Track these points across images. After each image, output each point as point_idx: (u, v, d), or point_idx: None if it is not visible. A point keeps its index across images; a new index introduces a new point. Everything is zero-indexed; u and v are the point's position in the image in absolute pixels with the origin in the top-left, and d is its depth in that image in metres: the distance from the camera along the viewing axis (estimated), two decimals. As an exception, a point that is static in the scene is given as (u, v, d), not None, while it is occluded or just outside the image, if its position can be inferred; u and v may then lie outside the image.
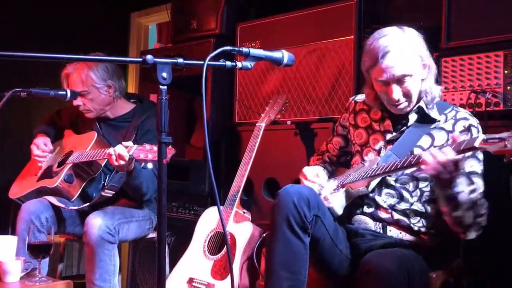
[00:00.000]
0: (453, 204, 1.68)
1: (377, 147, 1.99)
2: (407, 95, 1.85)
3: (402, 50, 1.79)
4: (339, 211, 1.93)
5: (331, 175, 2.23)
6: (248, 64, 1.53)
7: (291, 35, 2.73)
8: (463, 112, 1.90)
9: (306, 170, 2.13)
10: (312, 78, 2.65)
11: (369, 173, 1.85)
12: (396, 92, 1.84)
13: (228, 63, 1.50)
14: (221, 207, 2.42)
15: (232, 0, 3.00)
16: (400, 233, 1.90)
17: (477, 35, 2.11)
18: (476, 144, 1.50)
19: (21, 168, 2.92)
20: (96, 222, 2.36)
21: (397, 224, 1.90)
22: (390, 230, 1.91)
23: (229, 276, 2.24)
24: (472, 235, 1.77)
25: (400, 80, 1.82)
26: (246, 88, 2.94)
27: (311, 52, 2.65)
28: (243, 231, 2.33)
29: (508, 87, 2.03)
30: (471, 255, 2.02)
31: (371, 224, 1.93)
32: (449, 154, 1.58)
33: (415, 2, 2.69)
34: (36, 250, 2.13)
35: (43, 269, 2.39)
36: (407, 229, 1.90)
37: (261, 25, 2.89)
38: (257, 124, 2.56)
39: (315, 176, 2.10)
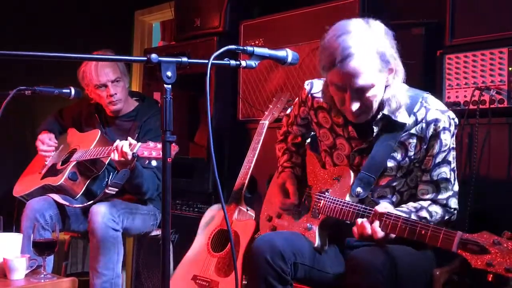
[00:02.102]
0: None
1: (345, 153, 1.87)
2: (366, 105, 1.66)
3: (366, 55, 1.57)
4: (321, 243, 1.83)
5: (300, 182, 2.04)
6: (253, 63, 1.51)
7: (294, 32, 2.73)
8: (434, 111, 1.72)
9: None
10: (316, 75, 2.64)
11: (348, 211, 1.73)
12: (354, 104, 1.64)
13: (233, 62, 1.49)
14: (225, 205, 2.42)
15: (235, -3, 3.00)
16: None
17: (481, 32, 2.10)
18: (454, 249, 1.37)
19: (24, 166, 2.93)
20: (101, 210, 2.39)
21: None
22: None
23: (233, 273, 2.25)
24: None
25: (359, 90, 1.62)
26: (249, 86, 2.94)
27: (314, 49, 2.64)
28: (246, 229, 2.33)
29: (513, 84, 2.02)
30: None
31: None
32: (378, 233, 1.60)
33: (419, -1, 2.68)
34: (41, 248, 2.14)
35: (48, 266, 2.40)
36: None
37: (264, 23, 2.89)
38: (260, 121, 2.57)
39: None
